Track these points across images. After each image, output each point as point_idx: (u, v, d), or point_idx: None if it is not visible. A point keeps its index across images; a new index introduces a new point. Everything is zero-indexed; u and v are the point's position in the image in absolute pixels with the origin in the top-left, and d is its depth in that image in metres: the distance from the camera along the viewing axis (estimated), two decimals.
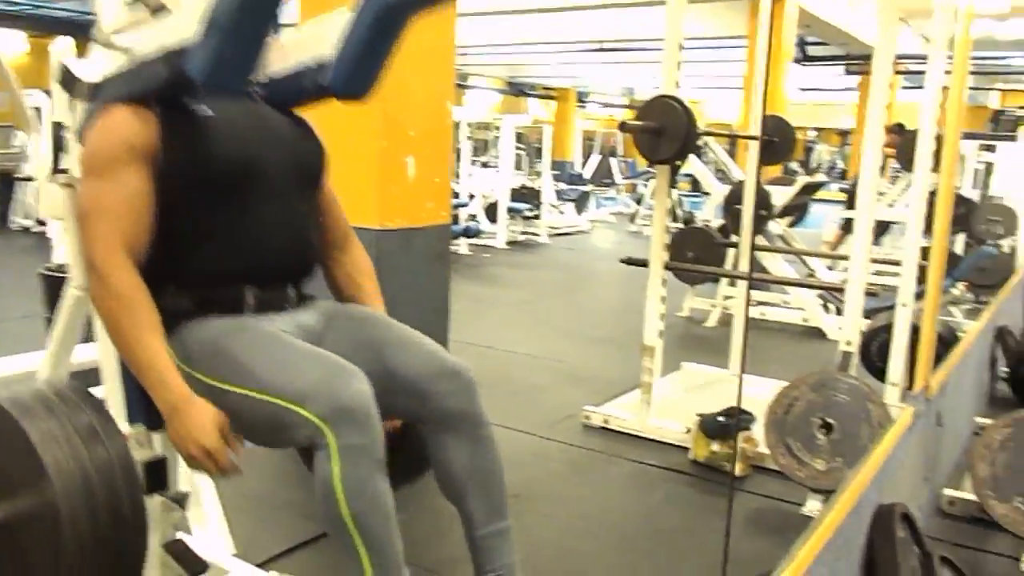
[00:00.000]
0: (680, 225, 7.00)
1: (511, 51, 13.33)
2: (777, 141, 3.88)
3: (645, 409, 3.22)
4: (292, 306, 1.65)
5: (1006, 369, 3.87)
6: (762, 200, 4.35)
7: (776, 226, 5.11)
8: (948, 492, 2.66)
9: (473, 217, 9.38)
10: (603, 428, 3.31)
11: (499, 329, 5.11)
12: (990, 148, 6.48)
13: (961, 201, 5.72)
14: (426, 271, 3.10)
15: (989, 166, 6.61)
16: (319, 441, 1.37)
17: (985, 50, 10.23)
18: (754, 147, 3.72)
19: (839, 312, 5.08)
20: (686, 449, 3.02)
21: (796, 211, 5.51)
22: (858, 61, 11.51)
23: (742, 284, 4.02)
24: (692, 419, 3.01)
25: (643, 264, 3.23)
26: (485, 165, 11.36)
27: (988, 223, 5.88)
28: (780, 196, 4.87)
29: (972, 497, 2.54)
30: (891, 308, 3.03)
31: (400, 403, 1.58)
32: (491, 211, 9.53)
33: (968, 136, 6.72)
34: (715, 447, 2.92)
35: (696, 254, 4.74)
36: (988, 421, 3.14)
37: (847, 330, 2.74)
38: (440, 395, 1.57)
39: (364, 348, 1.61)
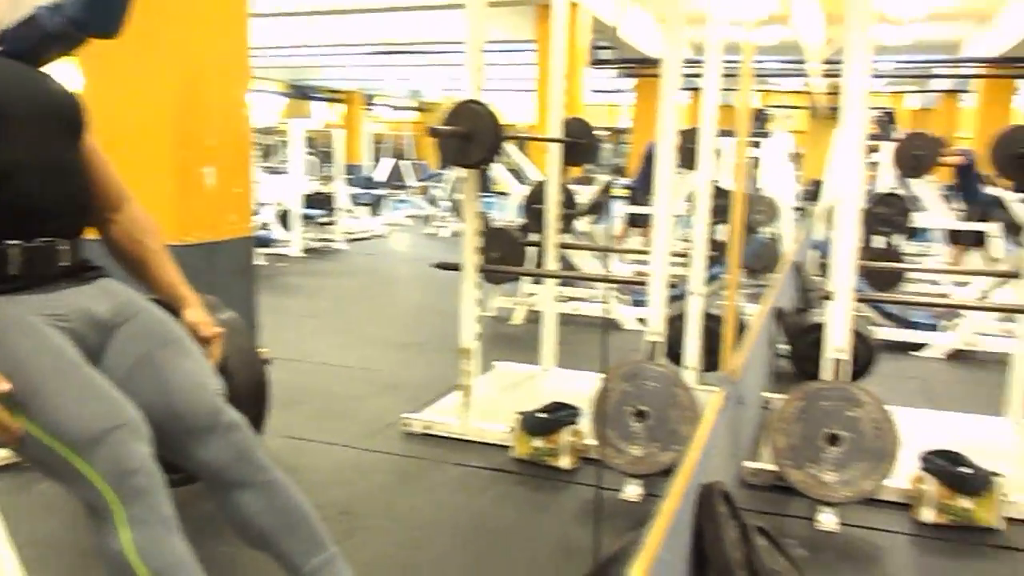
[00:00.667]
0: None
1: (295, 53, 12.97)
2: (580, 143, 4.05)
3: (466, 412, 3.24)
4: (71, 275, 1.52)
5: (785, 346, 4.24)
6: (567, 200, 4.50)
7: (581, 224, 5.32)
8: (749, 465, 2.88)
9: (265, 226, 9.03)
10: (425, 434, 3.29)
11: (306, 341, 4.95)
12: (755, 144, 7.07)
13: (726, 194, 6.22)
14: (231, 286, 2.95)
15: (755, 161, 7.21)
16: (101, 506, 1.28)
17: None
18: (556, 149, 3.85)
19: (636, 304, 5.40)
20: (509, 448, 3.07)
21: (598, 209, 5.76)
22: (637, 65, 12.23)
23: (549, 281, 4.14)
24: (512, 418, 3.06)
25: (455, 268, 3.25)
26: (273, 171, 10.97)
27: (754, 213, 6.40)
28: (584, 195, 5.08)
29: (771, 467, 2.76)
30: (681, 297, 3.24)
31: (179, 444, 1.49)
32: (284, 219, 9.23)
33: (725, 133, 7.32)
34: (537, 443, 2.99)
35: (500, 254, 4.82)
36: (775, 396, 3.44)
37: (653, 320, 2.89)
38: (216, 451, 1.50)
39: (149, 374, 1.51)
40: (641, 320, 3.64)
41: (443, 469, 3.02)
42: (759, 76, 12.51)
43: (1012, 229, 6.00)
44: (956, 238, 7.09)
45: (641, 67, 12.65)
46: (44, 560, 2.10)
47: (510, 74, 13.43)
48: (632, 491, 2.77)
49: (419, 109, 22.47)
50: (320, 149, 13.20)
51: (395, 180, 15.36)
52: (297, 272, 8.00)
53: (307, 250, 9.12)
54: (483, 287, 3.79)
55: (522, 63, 10.12)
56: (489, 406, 3.39)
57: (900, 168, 6.38)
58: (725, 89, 3.21)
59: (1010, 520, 2.58)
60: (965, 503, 2.57)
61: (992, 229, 6.59)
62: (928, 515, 2.59)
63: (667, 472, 2.52)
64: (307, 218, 9.44)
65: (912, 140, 6.42)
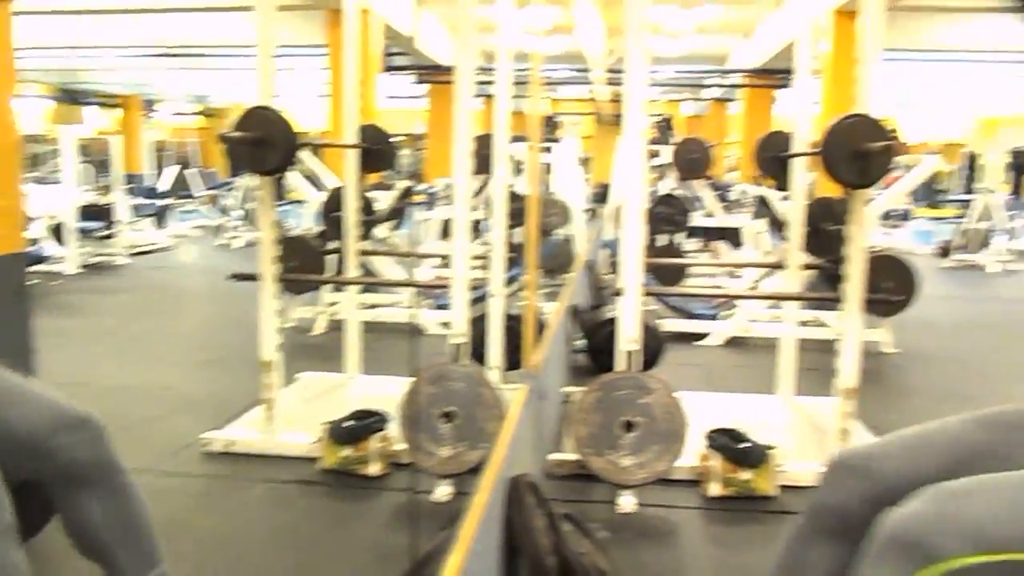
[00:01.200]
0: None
1: (64, 55, 12.00)
2: (377, 149, 4.05)
3: (270, 426, 3.15)
4: None
5: (581, 341, 4.45)
6: (365, 206, 4.48)
7: (380, 230, 5.31)
8: (552, 457, 3.01)
9: (35, 241, 8.30)
10: (227, 453, 3.16)
11: (90, 362, 4.62)
12: (546, 150, 7.35)
13: (521, 198, 6.44)
14: (2, 308, 2.71)
15: (547, 166, 7.49)
16: None
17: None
18: (353, 156, 3.83)
19: (439, 308, 5.46)
20: (317, 460, 3.02)
21: (397, 215, 5.77)
22: (430, 72, 12.36)
23: (351, 289, 4.11)
24: (319, 428, 3.02)
25: (253, 279, 3.16)
26: (43, 182, 10.10)
27: (548, 216, 6.65)
28: (383, 201, 5.08)
29: (573, 457, 2.90)
30: (482, 300, 3.33)
31: (19, 463, 1.39)
32: (57, 233, 8.52)
33: (518, 139, 7.60)
34: (346, 452, 2.96)
35: (299, 263, 4.73)
36: (575, 389, 3.61)
37: (457, 323, 2.95)
38: (65, 449, 1.42)
39: None
40: (445, 324, 3.69)
41: (248, 486, 2.92)
42: (548, 84, 13.00)
43: (776, 225, 6.61)
44: (716, 235, 7.68)
45: (434, 74, 12.79)
46: None
47: (303, 79, 13.14)
48: (443, 492, 2.81)
49: (204, 115, 21.44)
50: (95, 158, 12.30)
51: (181, 189, 14.58)
52: (75, 290, 7.42)
53: (85, 266, 8.47)
54: (283, 297, 3.70)
55: (314, 68, 9.93)
56: (294, 418, 3.32)
57: (678, 171, 6.86)
58: (516, 96, 3.33)
59: (783, 487, 2.86)
60: (746, 475, 2.82)
61: (759, 225, 7.23)
62: (715, 489, 2.82)
63: (477, 470, 2.58)
64: (83, 232, 8.77)
65: (687, 145, 6.92)
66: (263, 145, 2.88)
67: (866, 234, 3.02)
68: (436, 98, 13.66)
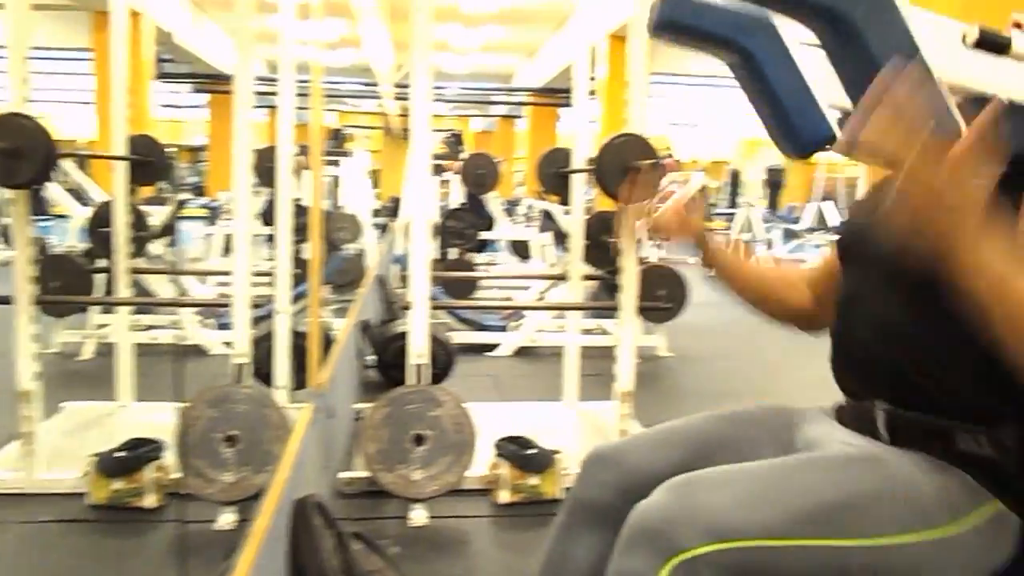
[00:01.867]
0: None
1: None
2: (149, 161, 3.82)
3: (29, 462, 2.88)
4: None
5: (372, 357, 4.41)
6: (137, 221, 4.20)
7: (154, 247, 5.00)
8: (343, 475, 2.96)
9: None
10: None
11: None
12: (335, 163, 7.24)
13: (308, 211, 6.30)
14: None
15: (336, 179, 7.38)
16: None
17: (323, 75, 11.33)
18: (122, 167, 3.59)
19: (221, 327, 5.22)
20: (84, 495, 2.80)
21: (172, 230, 5.46)
22: (209, 80, 11.81)
23: (122, 310, 3.84)
24: (86, 461, 2.79)
25: (6, 302, 2.89)
26: None
27: (338, 230, 6.55)
28: (156, 216, 4.79)
29: (363, 474, 2.87)
30: (269, 317, 3.23)
31: None
32: None
33: (303, 152, 7.44)
34: (118, 485, 2.76)
35: (62, 283, 4.36)
36: (365, 405, 3.57)
37: (239, 343, 2.83)
38: None
39: None
40: (227, 343, 3.54)
41: (5, 529, 2.65)
42: (335, 96, 12.81)
43: (560, 238, 6.88)
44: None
45: (213, 83, 12.27)
46: None
47: (65, 85, 12.16)
48: (227, 519, 2.68)
49: None
50: None
51: None
52: None
53: None
54: (43, 321, 3.39)
55: (78, 73, 9.23)
56: (58, 452, 3.05)
57: (467, 185, 6.98)
58: (300, 108, 3.27)
59: (568, 489, 2.98)
60: (533, 480, 2.91)
61: (545, 238, 7.50)
62: (504, 496, 2.89)
63: (262, 494, 2.49)
64: None
65: (475, 160, 7.05)
66: (16, 156, 2.64)
67: (637, 246, 3.21)
68: (217, 108, 13.10)
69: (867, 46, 1.00)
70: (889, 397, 1.26)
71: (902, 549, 1.14)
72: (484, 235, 7.32)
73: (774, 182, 14.62)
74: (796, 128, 1.35)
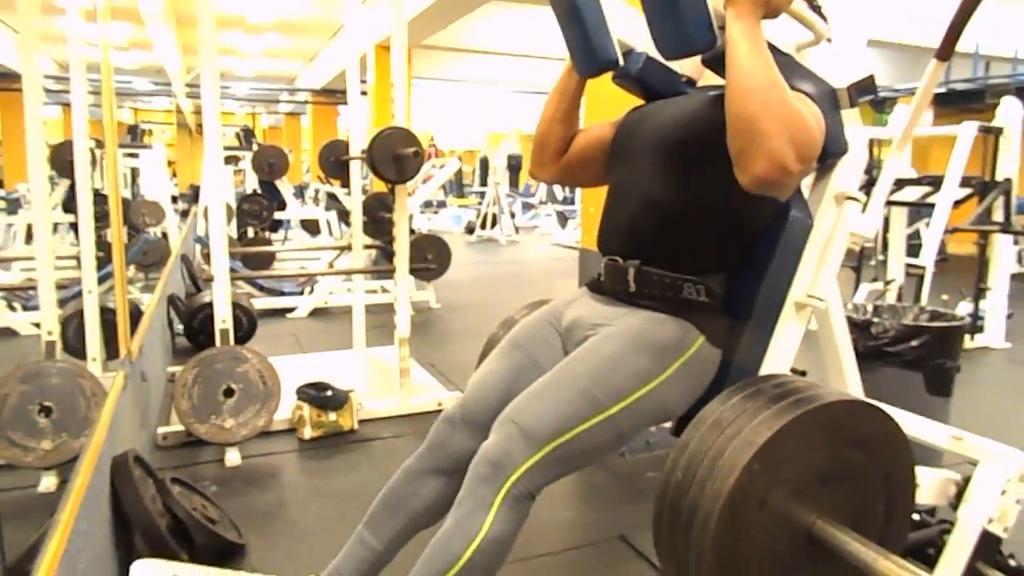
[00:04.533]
0: None
1: None
2: None
3: None
4: None
5: (180, 326, 4.09)
6: None
7: None
8: (160, 430, 2.74)
9: None
10: None
11: None
12: (134, 155, 6.54)
13: (107, 199, 5.68)
14: None
15: (135, 170, 6.68)
16: None
17: (117, 75, 10.16)
18: None
19: (29, 309, 4.58)
20: None
21: None
22: None
23: None
24: None
25: None
26: None
27: (141, 216, 5.96)
28: None
29: (179, 428, 2.67)
30: (79, 296, 2.89)
31: None
32: None
33: (101, 145, 6.68)
34: None
35: None
36: (177, 368, 3.31)
37: (47, 322, 2.51)
38: None
39: None
40: (36, 324, 3.12)
41: None
42: (129, 95, 11.52)
43: (344, 215, 6.72)
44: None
45: (2, 81, 10.56)
46: None
47: None
48: (49, 482, 2.39)
49: None
50: None
51: None
52: None
53: None
54: None
55: None
56: None
57: (259, 173, 6.59)
58: (95, 105, 2.90)
59: (362, 421, 2.96)
60: (332, 417, 2.85)
61: (330, 216, 7.27)
62: (308, 433, 2.81)
63: (81, 456, 2.25)
64: None
65: (265, 151, 6.67)
66: None
67: (407, 219, 3.20)
68: (8, 105, 11.30)
69: None
70: (641, 257, 1.35)
71: (647, 396, 1.26)
72: (278, 215, 6.96)
73: (514, 166, 15.18)
74: (591, 49, 1.39)
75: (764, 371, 1.34)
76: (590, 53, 1.40)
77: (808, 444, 1.09)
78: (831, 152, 1.29)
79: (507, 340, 1.48)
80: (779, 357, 1.34)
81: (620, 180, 1.47)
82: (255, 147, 7.43)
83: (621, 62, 1.42)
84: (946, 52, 1.36)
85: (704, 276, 1.32)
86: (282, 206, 6.96)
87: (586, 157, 1.57)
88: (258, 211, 6.80)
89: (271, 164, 6.47)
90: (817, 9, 1.37)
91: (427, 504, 1.37)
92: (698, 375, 1.33)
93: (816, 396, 1.12)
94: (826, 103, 1.25)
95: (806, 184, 1.41)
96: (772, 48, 1.19)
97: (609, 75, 1.49)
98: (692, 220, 1.30)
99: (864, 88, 1.25)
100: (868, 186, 5.18)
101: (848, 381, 1.57)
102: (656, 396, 1.27)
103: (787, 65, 1.23)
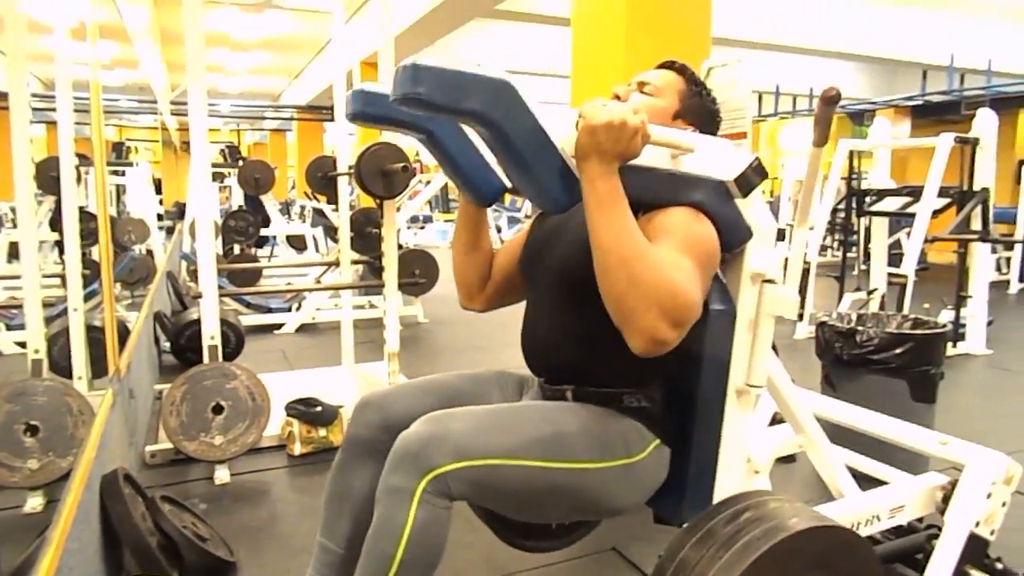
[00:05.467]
0: None
1: None
2: None
3: None
4: None
5: (167, 344, 4.06)
6: None
7: None
8: (149, 448, 2.71)
9: None
10: None
11: None
12: (119, 173, 6.51)
13: (94, 217, 5.65)
14: None
15: (120, 188, 6.65)
16: None
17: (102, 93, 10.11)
18: None
19: (12, 328, 4.53)
20: None
21: None
22: None
23: None
24: None
25: None
26: None
27: (127, 233, 5.93)
28: None
29: (167, 446, 2.65)
30: (64, 314, 2.86)
31: None
32: None
33: (86, 162, 6.64)
34: None
35: None
36: (165, 385, 3.29)
37: (33, 340, 2.49)
38: None
39: None
40: (21, 343, 3.09)
41: None
42: (114, 112, 11.47)
43: (331, 231, 6.70)
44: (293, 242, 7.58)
45: None
46: None
47: None
48: (34, 503, 2.36)
49: None
50: None
51: None
52: None
53: None
54: None
55: None
56: None
57: (245, 188, 6.57)
58: (80, 123, 2.90)
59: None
60: (321, 432, 2.84)
61: (317, 232, 7.26)
62: (297, 449, 2.80)
63: (69, 476, 2.22)
64: None
65: (251, 166, 6.66)
66: None
67: (395, 234, 3.21)
68: None
69: (507, 134, 1.08)
70: (572, 381, 1.36)
71: (591, 472, 1.26)
72: (264, 231, 6.94)
73: None
74: (476, 186, 1.42)
75: (721, 469, 1.33)
76: (478, 189, 1.43)
77: None
78: (736, 242, 1.27)
79: (459, 373, 1.50)
80: (734, 450, 1.33)
81: (531, 305, 1.46)
82: (240, 162, 7.42)
83: (508, 184, 1.41)
84: (821, 141, 1.42)
85: (640, 388, 1.33)
86: (266, 222, 6.94)
87: (508, 281, 1.56)
88: (244, 227, 6.77)
89: (257, 179, 6.44)
90: (699, 93, 1.40)
91: (365, 494, 1.34)
92: (648, 478, 1.33)
93: (770, 532, 1.12)
94: (717, 199, 1.24)
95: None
96: (645, 171, 1.19)
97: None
98: (608, 344, 1.24)
99: (755, 171, 1.24)
100: (849, 198, 5.25)
101: (811, 437, 1.59)
102: (599, 477, 1.26)
103: (668, 180, 1.23)
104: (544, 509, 1.30)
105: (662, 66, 1.43)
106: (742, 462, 1.36)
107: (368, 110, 1.30)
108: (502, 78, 1.07)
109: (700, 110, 1.40)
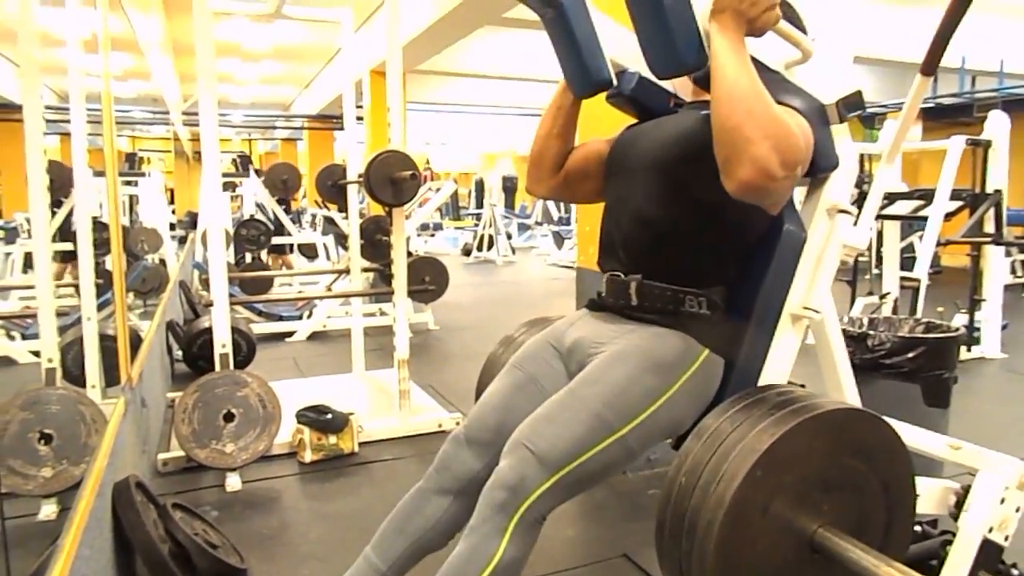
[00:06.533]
0: None
1: None
2: None
3: None
4: None
5: (179, 352, 4.09)
6: None
7: None
8: (161, 456, 2.73)
9: None
10: None
11: None
12: (131, 183, 6.57)
13: (107, 227, 5.71)
14: None
15: (132, 198, 6.71)
16: None
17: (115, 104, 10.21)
18: None
19: (27, 338, 4.57)
20: None
21: None
22: None
23: None
24: None
25: None
26: None
27: (139, 243, 5.98)
28: None
29: (179, 453, 2.66)
30: (77, 323, 2.89)
31: None
32: None
33: (99, 174, 6.70)
34: None
35: None
36: (177, 393, 3.31)
37: (47, 349, 2.51)
38: None
39: None
40: (35, 352, 3.12)
41: None
42: (127, 123, 11.59)
43: (341, 239, 6.74)
44: (275, 249, 7.61)
45: (2, 111, 10.63)
46: None
47: None
48: (48, 510, 2.38)
49: None
50: None
51: None
52: None
53: None
54: None
55: None
56: None
57: (272, 190, 6.67)
58: (93, 134, 2.93)
59: (363, 443, 2.95)
60: (332, 440, 2.85)
61: (328, 240, 7.29)
62: (308, 456, 2.81)
63: (83, 483, 2.24)
64: None
65: (278, 168, 6.77)
66: None
67: (404, 242, 3.22)
68: (6, 136, 11.35)
69: None
70: (642, 271, 1.37)
71: (657, 413, 1.27)
72: (276, 240, 6.98)
73: (508, 187, 15.26)
74: (586, 70, 1.42)
75: (763, 381, 1.35)
76: (585, 74, 1.42)
77: (809, 451, 1.10)
78: (822, 167, 1.32)
79: (510, 361, 1.49)
80: (777, 367, 1.35)
81: (615, 199, 1.48)
82: (254, 172, 7.48)
83: (615, 82, 1.44)
84: (930, 67, 1.38)
85: (705, 289, 1.34)
86: (281, 230, 7.01)
87: (583, 172, 1.59)
88: (257, 236, 6.82)
89: (285, 181, 6.57)
90: (802, 28, 1.40)
91: (433, 524, 1.36)
92: (704, 387, 1.34)
93: (815, 405, 1.13)
94: (815, 118, 1.28)
95: (799, 198, 1.44)
96: (760, 66, 1.22)
97: (603, 94, 1.51)
98: (686, 236, 1.32)
99: (852, 103, 1.28)
100: (860, 200, 5.23)
101: (845, 391, 1.58)
102: (666, 412, 1.28)
103: (776, 82, 1.26)
104: (626, 465, 1.32)
105: None
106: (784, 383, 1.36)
107: None
108: None
109: (794, 16, 1.40)
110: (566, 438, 1.21)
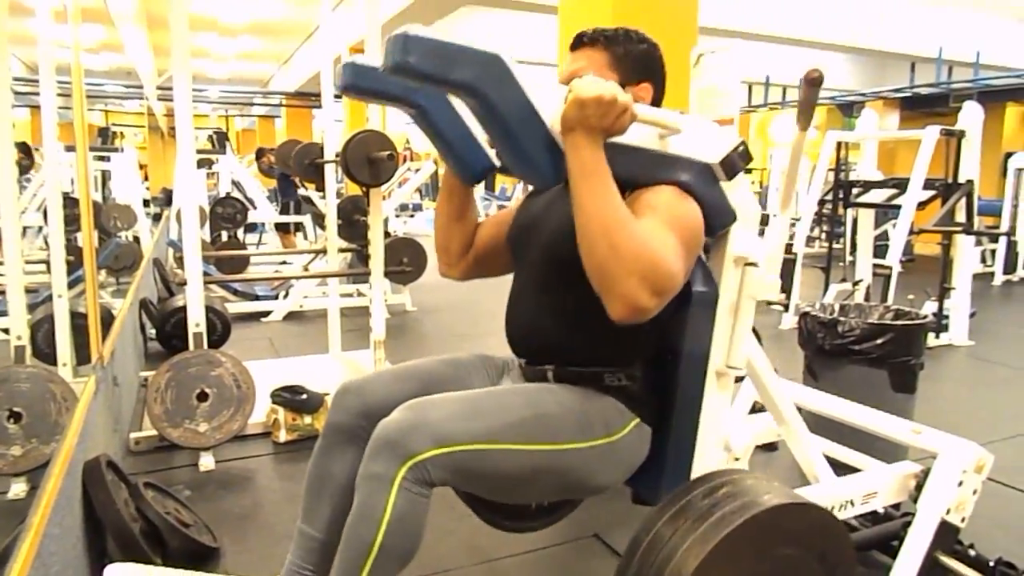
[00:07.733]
0: None
1: None
2: None
3: None
4: None
5: (152, 331, 4.05)
6: None
7: None
8: (133, 435, 2.71)
9: None
10: None
11: None
12: (104, 158, 6.45)
13: (78, 203, 5.60)
14: None
15: (105, 173, 6.59)
16: None
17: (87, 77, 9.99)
18: None
19: None
20: None
21: None
22: None
23: None
24: None
25: None
26: None
27: (112, 219, 5.88)
28: None
29: (152, 432, 2.65)
30: (48, 301, 2.85)
31: None
32: None
33: (71, 148, 6.56)
34: None
35: None
36: (150, 373, 3.28)
37: (16, 327, 2.47)
38: None
39: None
40: (4, 329, 3.08)
41: None
42: (99, 97, 11.35)
43: (319, 218, 6.68)
44: (281, 227, 7.58)
45: None
46: None
47: None
48: (18, 488, 2.36)
49: None
50: None
51: None
52: None
53: None
54: None
55: None
56: None
57: (281, 166, 6.54)
58: (64, 108, 2.87)
59: None
60: (307, 420, 2.84)
61: (305, 219, 7.23)
62: (282, 436, 2.80)
63: (52, 462, 2.22)
64: None
65: (287, 145, 6.67)
66: None
67: (381, 222, 3.20)
68: None
69: (495, 107, 1.09)
70: (553, 361, 1.37)
71: (572, 452, 1.27)
72: (251, 218, 6.92)
73: None
74: (465, 163, 1.42)
75: (697, 457, 1.34)
76: (464, 167, 1.43)
77: (739, 558, 1.11)
78: (720, 225, 1.28)
79: (439, 357, 1.50)
80: (712, 431, 1.34)
81: (519, 282, 1.47)
82: (262, 147, 7.35)
83: (497, 163, 1.42)
84: (805, 125, 1.37)
85: (620, 367, 1.34)
86: (298, 206, 6.96)
87: (493, 250, 1.56)
88: (233, 215, 6.74)
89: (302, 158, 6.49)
90: (623, 43, 1.34)
91: (345, 481, 1.35)
92: (629, 456, 1.34)
93: (741, 508, 1.13)
94: (702, 182, 1.25)
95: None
96: (632, 151, 1.20)
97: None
98: (591, 322, 1.26)
99: (740, 155, 1.25)
100: (836, 188, 5.28)
101: (790, 424, 1.61)
102: (580, 457, 1.27)
103: (655, 160, 1.24)
104: (526, 490, 1.32)
105: (575, 48, 1.37)
106: (720, 443, 1.38)
107: (358, 83, 1.29)
108: (492, 51, 1.07)
109: (637, 60, 1.35)
110: (467, 421, 1.19)
